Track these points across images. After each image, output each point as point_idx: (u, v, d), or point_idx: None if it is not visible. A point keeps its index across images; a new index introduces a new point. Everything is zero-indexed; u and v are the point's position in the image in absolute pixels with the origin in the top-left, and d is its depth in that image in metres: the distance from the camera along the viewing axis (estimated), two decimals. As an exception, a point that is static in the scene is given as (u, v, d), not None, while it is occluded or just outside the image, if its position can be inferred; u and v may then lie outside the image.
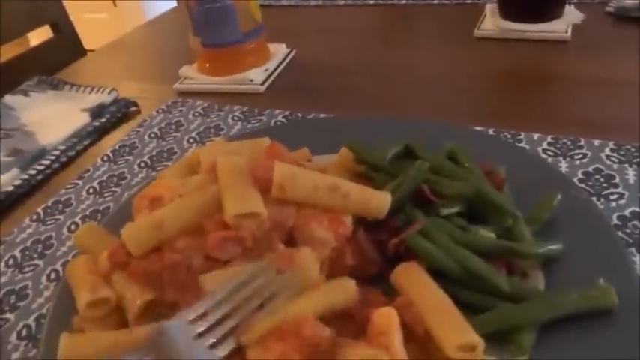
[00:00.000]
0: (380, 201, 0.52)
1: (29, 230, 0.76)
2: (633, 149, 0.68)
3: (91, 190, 0.81)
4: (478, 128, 0.76)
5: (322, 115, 0.85)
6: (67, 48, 1.52)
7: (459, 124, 0.76)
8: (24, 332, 0.61)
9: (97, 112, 0.97)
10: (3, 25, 1.38)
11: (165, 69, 1.12)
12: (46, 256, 0.71)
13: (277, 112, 0.88)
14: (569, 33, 0.98)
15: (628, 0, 1.02)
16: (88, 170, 0.85)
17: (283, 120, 0.86)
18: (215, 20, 0.94)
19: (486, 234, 0.51)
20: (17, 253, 0.72)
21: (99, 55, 1.34)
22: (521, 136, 0.74)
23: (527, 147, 0.72)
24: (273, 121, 0.86)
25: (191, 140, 0.86)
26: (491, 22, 1.04)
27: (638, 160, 0.67)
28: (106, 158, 0.87)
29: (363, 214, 0.52)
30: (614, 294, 0.46)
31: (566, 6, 1.01)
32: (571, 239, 0.52)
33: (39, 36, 1.54)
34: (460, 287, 0.49)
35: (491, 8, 1.07)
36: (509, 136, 0.74)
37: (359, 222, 0.54)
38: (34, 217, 0.78)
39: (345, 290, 0.47)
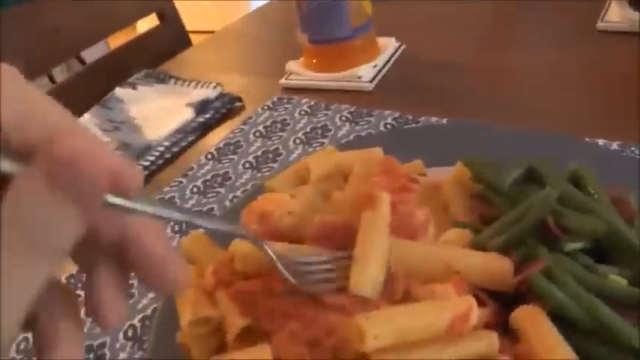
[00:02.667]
0: (502, 273, 0.48)
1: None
2: None
3: (194, 190, 0.80)
4: (601, 141, 0.69)
5: (434, 119, 0.80)
6: (172, 36, 1.52)
7: (580, 135, 0.71)
8: (130, 332, 0.62)
9: (201, 107, 0.96)
10: (113, 14, 1.40)
11: (270, 63, 1.10)
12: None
13: (387, 113, 0.84)
14: None
15: None
16: (192, 168, 0.84)
17: (393, 122, 0.82)
18: (325, 16, 0.91)
19: (617, 279, 0.46)
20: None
21: (203, 46, 1.34)
22: (652, 153, 0.66)
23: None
24: (382, 123, 0.82)
25: (297, 141, 0.84)
26: (617, 13, 0.95)
27: None
28: (210, 156, 0.86)
29: (484, 286, 0.48)
30: None
31: None
32: None
33: (146, 24, 1.55)
34: (584, 338, 0.44)
35: (617, -4, 0.97)
36: (637, 152, 0.67)
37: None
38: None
39: (488, 342, 0.43)
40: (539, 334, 0.44)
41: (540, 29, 1.05)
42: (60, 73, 2.19)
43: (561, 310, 0.44)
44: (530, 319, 0.45)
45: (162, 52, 1.34)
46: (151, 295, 0.65)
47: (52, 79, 1.98)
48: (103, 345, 0.62)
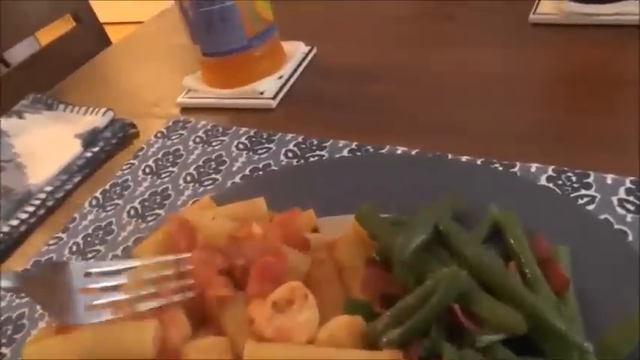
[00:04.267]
0: None
1: (3, 303, 0.65)
2: None
3: (74, 248, 0.69)
4: (535, 166, 0.59)
5: (341, 143, 0.69)
6: (90, 36, 1.42)
7: (509, 159, 0.60)
8: None
9: (90, 138, 0.84)
10: (27, 16, 1.33)
11: (173, 77, 0.97)
12: (15, 341, 0.60)
13: (289, 137, 0.72)
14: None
15: None
16: (74, 219, 0.72)
17: (295, 149, 0.70)
18: (215, 25, 0.79)
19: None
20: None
21: (102, 60, 1.19)
22: (590, 179, 0.56)
23: (599, 195, 0.54)
24: (283, 151, 0.71)
25: (188, 178, 0.72)
26: (550, 4, 0.83)
27: None
28: (94, 202, 0.74)
29: None
30: None
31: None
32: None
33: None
34: None
35: (549, -16, 0.85)
36: (574, 178, 0.56)
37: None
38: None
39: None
40: None
41: (468, 27, 0.91)
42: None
43: None
44: None
45: (80, 55, 1.23)
46: None
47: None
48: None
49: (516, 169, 0.59)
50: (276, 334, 0.40)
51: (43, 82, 1.06)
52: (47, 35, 1.44)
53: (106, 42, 1.44)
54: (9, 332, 0.60)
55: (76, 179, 0.80)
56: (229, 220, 0.49)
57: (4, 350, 0.58)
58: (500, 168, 0.59)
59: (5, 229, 0.74)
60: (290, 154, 0.70)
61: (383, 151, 0.66)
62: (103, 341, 0.40)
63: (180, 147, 0.78)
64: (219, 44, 0.81)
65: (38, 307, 0.61)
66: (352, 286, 0.46)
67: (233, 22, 0.79)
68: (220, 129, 0.78)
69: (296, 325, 0.40)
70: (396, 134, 0.69)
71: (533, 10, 0.85)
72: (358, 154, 0.67)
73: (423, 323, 0.38)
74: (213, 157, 0.74)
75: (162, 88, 0.96)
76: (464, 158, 0.62)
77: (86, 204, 0.74)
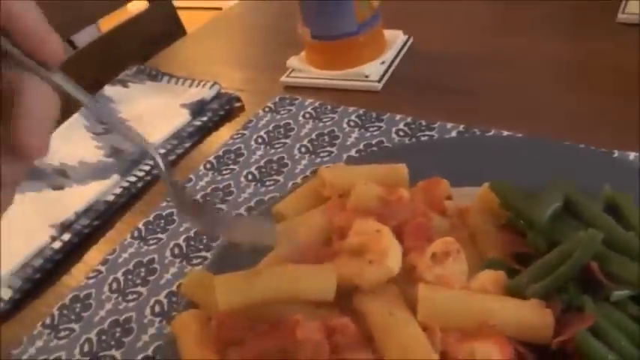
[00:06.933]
0: (543, 327, 0.43)
1: (131, 250, 0.71)
2: None
3: (195, 205, 0.74)
4: (632, 154, 0.64)
5: (449, 125, 0.74)
6: (162, 18, 1.45)
7: (596, 143, 0.66)
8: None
9: (197, 108, 0.90)
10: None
11: (269, 54, 1.03)
12: (149, 283, 0.66)
13: (398, 117, 0.78)
14: None
15: None
16: (191, 180, 0.79)
17: (405, 128, 0.76)
18: (329, 11, 0.85)
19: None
20: (120, 275, 0.67)
21: (196, 36, 1.26)
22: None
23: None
24: (393, 129, 0.76)
25: (303, 149, 0.78)
26: (638, 4, 0.87)
27: None
28: (209, 166, 0.80)
29: (521, 339, 0.43)
30: None
31: None
32: None
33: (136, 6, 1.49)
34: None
35: (639, -19, 0.88)
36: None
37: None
38: (135, 234, 0.73)
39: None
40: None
41: (557, 21, 0.96)
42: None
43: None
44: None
45: (153, 34, 1.30)
46: (152, 330, 0.61)
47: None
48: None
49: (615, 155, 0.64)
50: (436, 280, 0.46)
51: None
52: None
53: (178, 23, 1.47)
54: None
55: (187, 144, 0.87)
56: (377, 185, 0.54)
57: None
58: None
59: (124, 184, 0.80)
60: (401, 133, 0.75)
61: (489, 133, 0.71)
62: (287, 281, 0.46)
63: (291, 121, 0.84)
64: (331, 28, 0.87)
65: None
66: (484, 248, 0.52)
67: (347, 9, 0.84)
68: (329, 107, 0.84)
69: (452, 273, 0.46)
70: (494, 118, 0.74)
71: (621, 10, 0.88)
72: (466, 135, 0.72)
73: (563, 278, 0.44)
74: (326, 131, 0.80)
75: (261, 66, 1.02)
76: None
77: (201, 167, 0.80)
